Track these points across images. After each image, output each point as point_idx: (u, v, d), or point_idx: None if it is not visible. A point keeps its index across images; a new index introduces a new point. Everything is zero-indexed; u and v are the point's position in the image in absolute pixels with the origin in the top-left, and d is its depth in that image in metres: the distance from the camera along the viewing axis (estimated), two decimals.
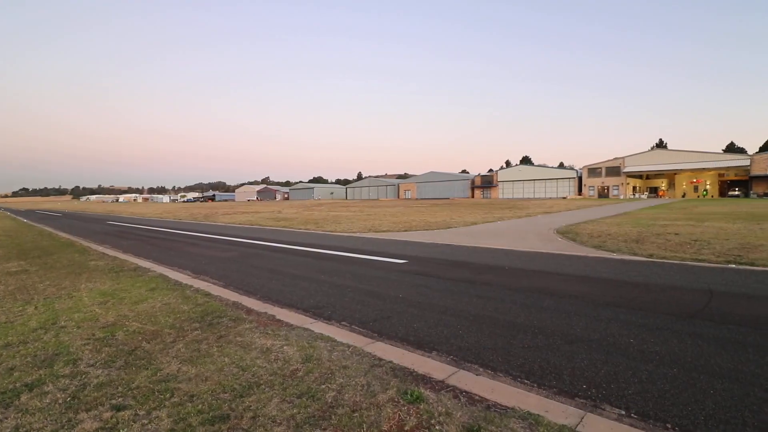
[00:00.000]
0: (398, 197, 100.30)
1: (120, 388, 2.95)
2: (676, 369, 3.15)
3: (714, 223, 14.69)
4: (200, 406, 2.66)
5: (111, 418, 2.56)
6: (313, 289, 6.02)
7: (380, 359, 3.40)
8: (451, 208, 34.73)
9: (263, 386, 2.92)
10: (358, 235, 14.07)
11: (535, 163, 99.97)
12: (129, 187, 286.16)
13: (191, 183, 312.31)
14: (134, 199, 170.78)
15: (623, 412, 2.58)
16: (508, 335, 3.96)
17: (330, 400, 2.70)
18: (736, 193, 57.50)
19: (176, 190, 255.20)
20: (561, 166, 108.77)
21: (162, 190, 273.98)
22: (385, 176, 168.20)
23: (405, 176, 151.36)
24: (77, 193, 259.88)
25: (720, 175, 63.04)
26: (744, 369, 3.12)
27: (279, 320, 4.51)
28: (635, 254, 8.61)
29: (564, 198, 65.69)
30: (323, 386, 2.90)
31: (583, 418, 2.49)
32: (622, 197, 62.95)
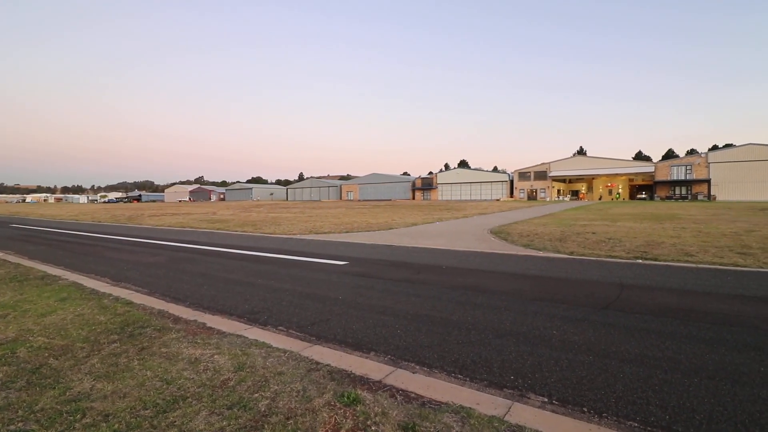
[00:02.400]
0: (340, 198, 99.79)
1: (20, 412, 2.61)
2: (591, 356, 3.44)
3: (625, 223, 16.35)
4: (116, 425, 2.43)
5: None
6: (248, 294, 5.78)
7: (317, 363, 3.35)
8: (392, 209, 35.21)
9: (190, 399, 2.73)
10: (298, 237, 13.77)
11: (472, 167, 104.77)
12: (38, 186, 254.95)
13: (114, 182, 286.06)
14: (44, 199, 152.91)
15: (546, 400, 2.77)
16: (444, 332, 4.09)
17: (263, 409, 2.60)
18: (643, 196, 64.40)
19: (96, 190, 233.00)
20: (495, 169, 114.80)
21: (79, 190, 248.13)
22: (328, 177, 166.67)
23: (347, 177, 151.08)
24: None
25: (630, 180, 70.33)
26: (648, 353, 3.49)
27: (210, 328, 4.27)
28: (559, 252, 9.31)
29: (497, 200, 69.42)
30: (256, 395, 2.78)
31: (510, 407, 2.64)
32: (548, 199, 67.86)
